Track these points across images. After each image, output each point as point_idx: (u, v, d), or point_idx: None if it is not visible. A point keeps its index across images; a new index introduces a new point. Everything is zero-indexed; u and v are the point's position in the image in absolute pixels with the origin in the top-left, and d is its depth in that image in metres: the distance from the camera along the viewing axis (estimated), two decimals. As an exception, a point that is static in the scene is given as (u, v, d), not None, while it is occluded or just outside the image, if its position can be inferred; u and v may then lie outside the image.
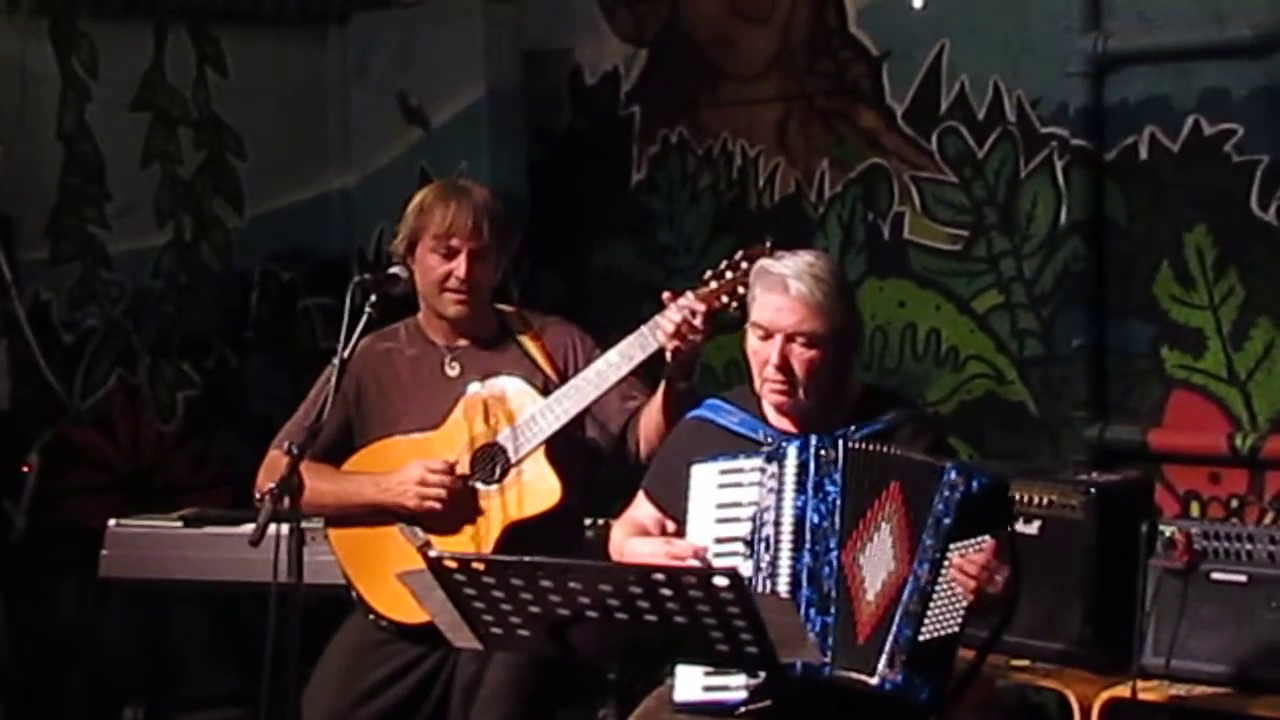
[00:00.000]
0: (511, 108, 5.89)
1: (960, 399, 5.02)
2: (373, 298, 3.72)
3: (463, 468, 3.84)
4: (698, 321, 3.65)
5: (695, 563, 3.30)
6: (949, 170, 5.01)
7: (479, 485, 3.83)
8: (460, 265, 3.86)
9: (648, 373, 3.84)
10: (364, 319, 3.69)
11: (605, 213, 5.77)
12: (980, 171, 4.95)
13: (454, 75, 5.90)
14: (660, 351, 3.72)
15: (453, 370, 3.94)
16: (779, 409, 3.47)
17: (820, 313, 3.35)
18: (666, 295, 3.70)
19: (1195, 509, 4.58)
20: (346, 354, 3.67)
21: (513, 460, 3.82)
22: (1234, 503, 4.53)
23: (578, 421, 3.85)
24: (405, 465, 3.83)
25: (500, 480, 3.83)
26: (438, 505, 3.80)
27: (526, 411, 3.82)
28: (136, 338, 5.76)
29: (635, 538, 3.54)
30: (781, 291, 3.36)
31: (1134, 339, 4.70)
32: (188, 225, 5.87)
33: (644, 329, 3.74)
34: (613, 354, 3.79)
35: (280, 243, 6.07)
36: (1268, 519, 4.42)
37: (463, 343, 3.96)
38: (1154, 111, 4.63)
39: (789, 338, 3.36)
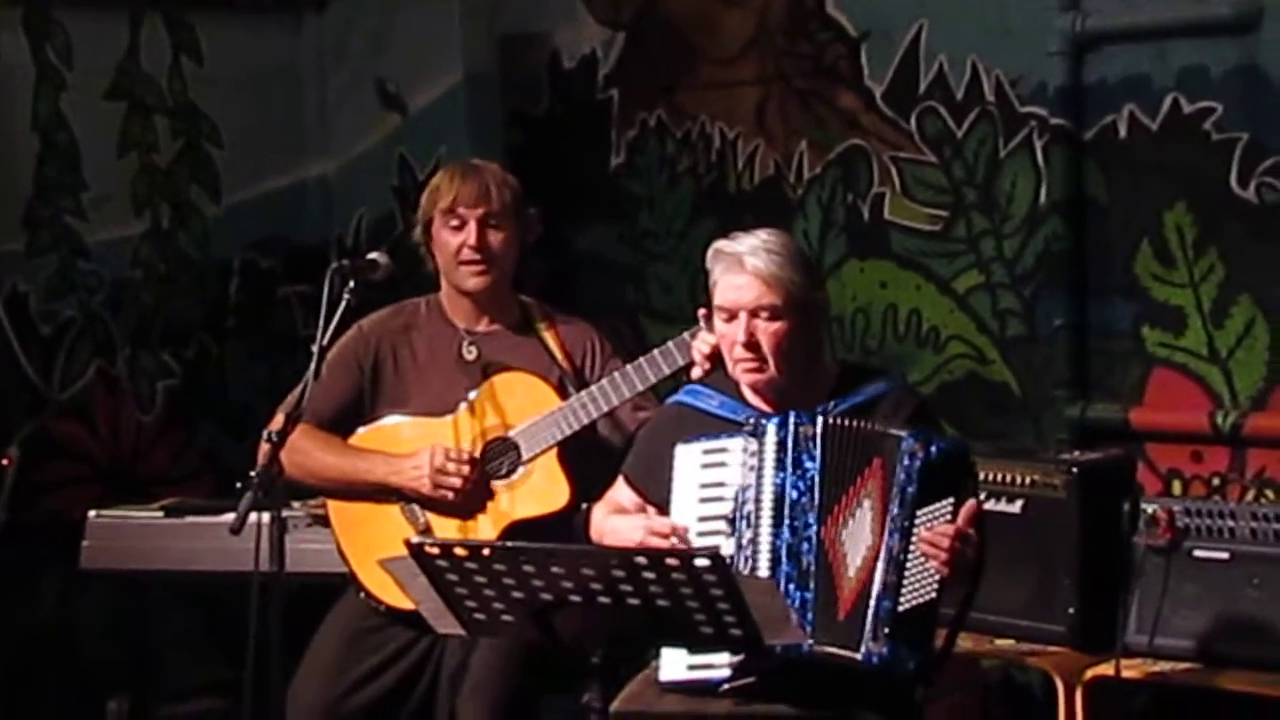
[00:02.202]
0: (489, 92, 5.86)
1: (942, 379, 5.02)
2: (351, 284, 3.70)
3: None
4: None
5: (675, 541, 3.31)
6: (928, 151, 5.00)
7: (490, 480, 3.82)
8: (470, 234, 3.85)
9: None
10: (343, 306, 3.68)
11: (584, 197, 5.75)
12: (959, 152, 4.94)
13: (431, 60, 5.87)
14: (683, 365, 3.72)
15: (470, 354, 3.92)
16: (754, 388, 3.47)
17: (778, 285, 3.38)
18: (702, 312, 3.63)
19: (1177, 487, 4.59)
20: (326, 340, 3.65)
21: (524, 458, 3.81)
22: (1216, 480, 4.53)
23: (591, 425, 3.83)
24: (421, 450, 3.80)
25: (509, 476, 3.82)
26: (450, 495, 3.79)
27: (542, 409, 3.80)
28: (115, 328, 5.72)
29: (615, 515, 3.54)
30: (738, 270, 3.40)
31: (1115, 318, 4.70)
32: (165, 214, 5.83)
33: (671, 345, 3.74)
34: (638, 364, 3.77)
35: (259, 231, 6.03)
36: (1249, 496, 4.43)
37: (482, 327, 3.94)
38: (1133, 90, 4.62)
39: (752, 314, 3.39)
